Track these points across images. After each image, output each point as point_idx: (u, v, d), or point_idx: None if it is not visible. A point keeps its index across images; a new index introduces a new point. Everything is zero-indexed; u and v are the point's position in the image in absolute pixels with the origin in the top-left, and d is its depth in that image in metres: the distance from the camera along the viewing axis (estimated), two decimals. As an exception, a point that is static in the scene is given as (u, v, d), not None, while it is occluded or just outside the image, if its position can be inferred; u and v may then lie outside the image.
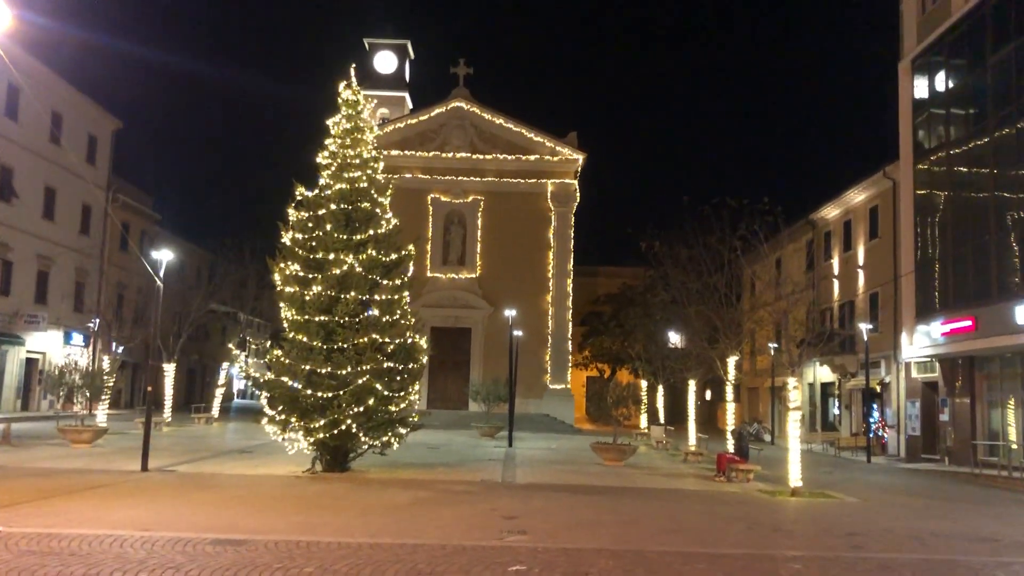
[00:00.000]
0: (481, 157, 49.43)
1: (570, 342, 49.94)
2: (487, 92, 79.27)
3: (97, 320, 39.56)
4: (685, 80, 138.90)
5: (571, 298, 49.50)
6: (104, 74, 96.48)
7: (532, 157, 49.55)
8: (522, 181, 49.47)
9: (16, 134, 38.00)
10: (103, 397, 30.02)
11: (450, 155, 49.38)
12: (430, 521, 13.16)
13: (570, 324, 49.65)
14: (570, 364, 50.34)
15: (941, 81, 30.92)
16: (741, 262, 21.65)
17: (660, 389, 38.53)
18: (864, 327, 32.46)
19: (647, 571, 9.87)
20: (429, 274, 48.75)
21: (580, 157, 49.67)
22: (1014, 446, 25.96)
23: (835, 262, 41.12)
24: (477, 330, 48.83)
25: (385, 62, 68.87)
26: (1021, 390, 26.80)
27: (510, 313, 33.83)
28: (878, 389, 36.07)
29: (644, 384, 42.47)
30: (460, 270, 49.19)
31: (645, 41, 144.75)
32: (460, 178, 49.32)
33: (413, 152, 49.43)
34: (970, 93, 29.01)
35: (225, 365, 42.71)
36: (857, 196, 38.29)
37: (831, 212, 41.42)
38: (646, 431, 38.72)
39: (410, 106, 67.56)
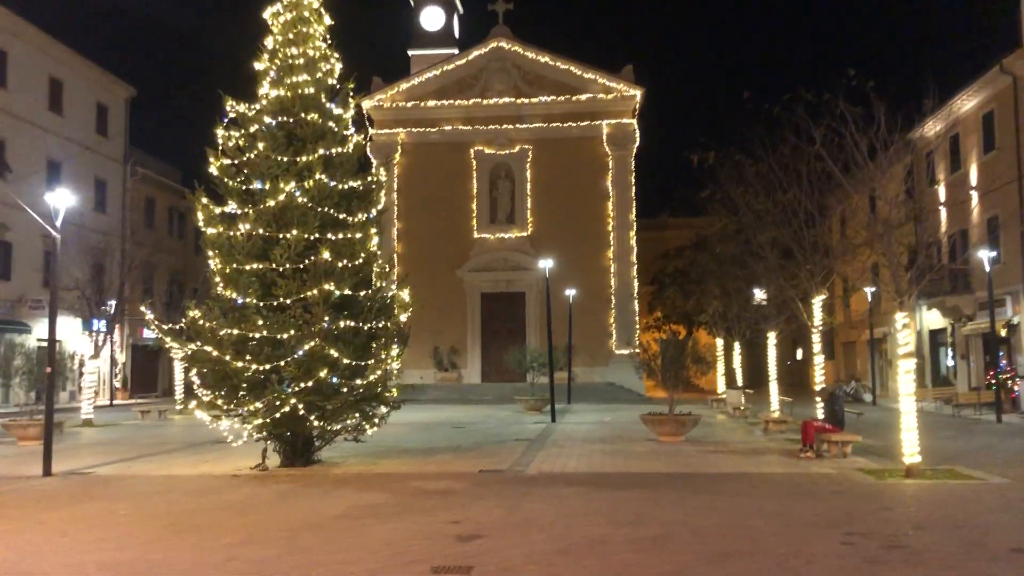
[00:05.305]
0: (526, 101, 44.02)
1: (637, 302, 44.48)
2: (530, 29, 72.52)
3: (112, 303, 36.17)
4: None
5: (635, 252, 44.03)
6: (115, 40, 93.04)
7: (583, 97, 43.92)
8: (573, 125, 43.95)
9: (7, 102, 34.69)
10: (86, 385, 26.72)
11: (492, 101, 44.12)
12: (336, 553, 8.48)
13: (636, 282, 44.18)
14: (638, 327, 44.90)
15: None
16: (829, 165, 16.14)
17: (736, 347, 32.97)
18: (984, 254, 26.26)
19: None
20: (476, 235, 44.12)
21: (637, 92, 43.79)
22: None
23: (940, 188, 34.65)
24: (531, 294, 43.92)
25: (432, 18, 63.69)
26: None
27: (545, 264, 28.63)
28: (1003, 333, 29.80)
29: (720, 344, 36.94)
30: (510, 229, 44.25)
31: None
32: (505, 127, 44.12)
33: (451, 102, 44.54)
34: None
35: None
36: (966, 103, 31.68)
37: (932, 128, 34.80)
38: (723, 396, 33.31)
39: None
